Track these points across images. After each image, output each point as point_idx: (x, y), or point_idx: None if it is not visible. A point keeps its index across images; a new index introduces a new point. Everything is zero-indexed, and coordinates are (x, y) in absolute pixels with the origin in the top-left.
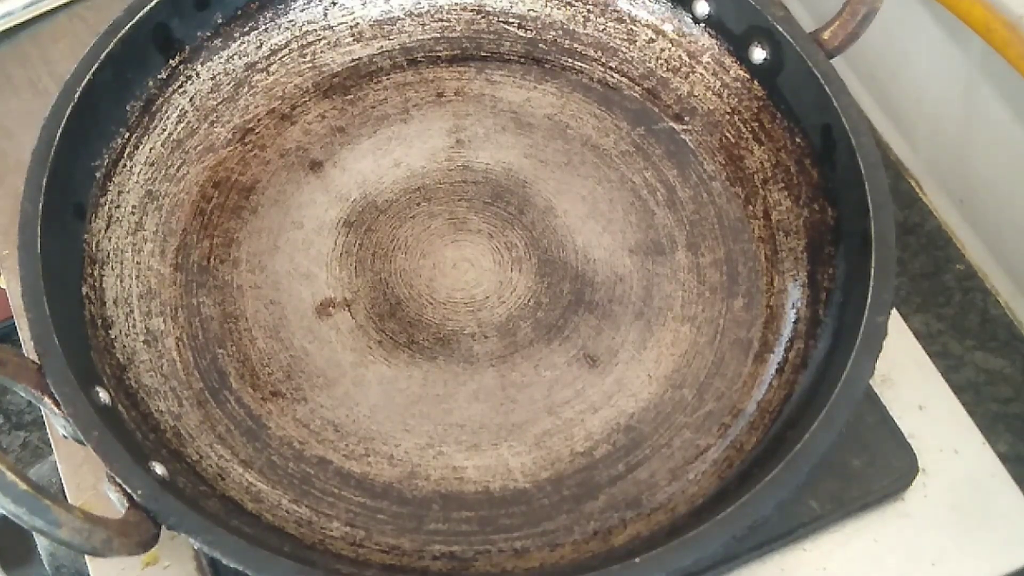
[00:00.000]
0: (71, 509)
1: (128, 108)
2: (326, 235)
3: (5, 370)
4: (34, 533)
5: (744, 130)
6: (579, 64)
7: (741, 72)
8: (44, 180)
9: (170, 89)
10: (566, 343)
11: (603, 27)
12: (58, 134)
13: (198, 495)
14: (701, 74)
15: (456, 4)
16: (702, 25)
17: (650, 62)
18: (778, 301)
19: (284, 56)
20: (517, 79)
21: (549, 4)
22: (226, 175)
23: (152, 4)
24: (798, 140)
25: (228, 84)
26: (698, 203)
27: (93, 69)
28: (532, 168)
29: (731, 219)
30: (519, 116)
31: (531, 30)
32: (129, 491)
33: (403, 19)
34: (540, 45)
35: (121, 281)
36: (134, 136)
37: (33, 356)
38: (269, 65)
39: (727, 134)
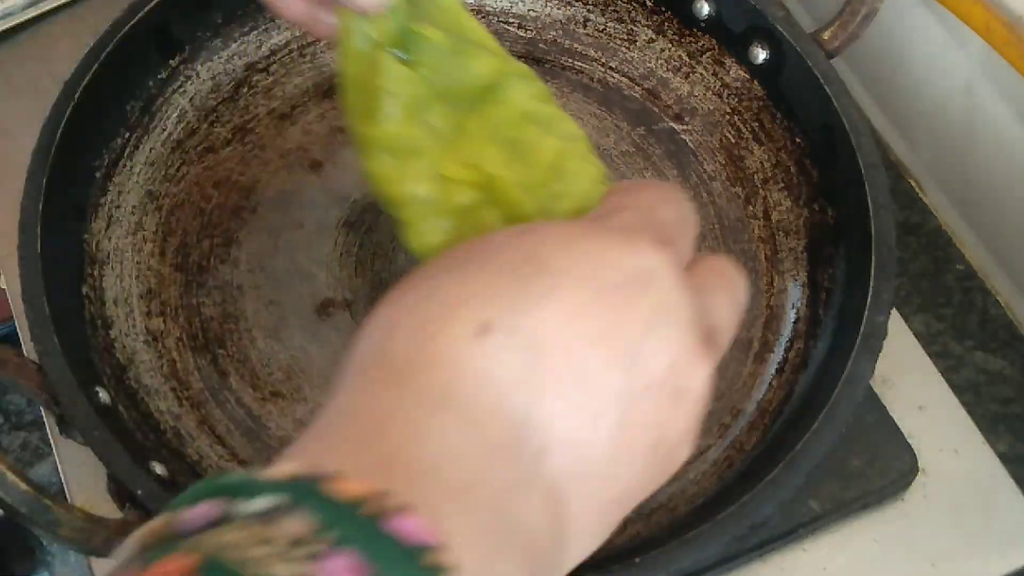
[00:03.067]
0: (71, 509)
1: (128, 108)
2: (326, 235)
3: (5, 370)
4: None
5: (744, 130)
6: (579, 64)
7: (741, 72)
8: (44, 180)
9: (170, 89)
10: None
11: (603, 27)
12: (58, 134)
13: None
14: (701, 74)
15: None
16: (702, 25)
17: (650, 62)
18: (778, 301)
19: (284, 56)
20: None
21: (549, 4)
22: (226, 175)
23: (152, 4)
24: (798, 140)
25: (228, 84)
26: (698, 203)
27: (93, 69)
28: None
29: (731, 219)
30: None
31: (531, 30)
32: (129, 491)
33: None
34: (540, 45)
35: (121, 281)
36: (134, 136)
37: (33, 356)
38: (269, 65)
39: (727, 134)
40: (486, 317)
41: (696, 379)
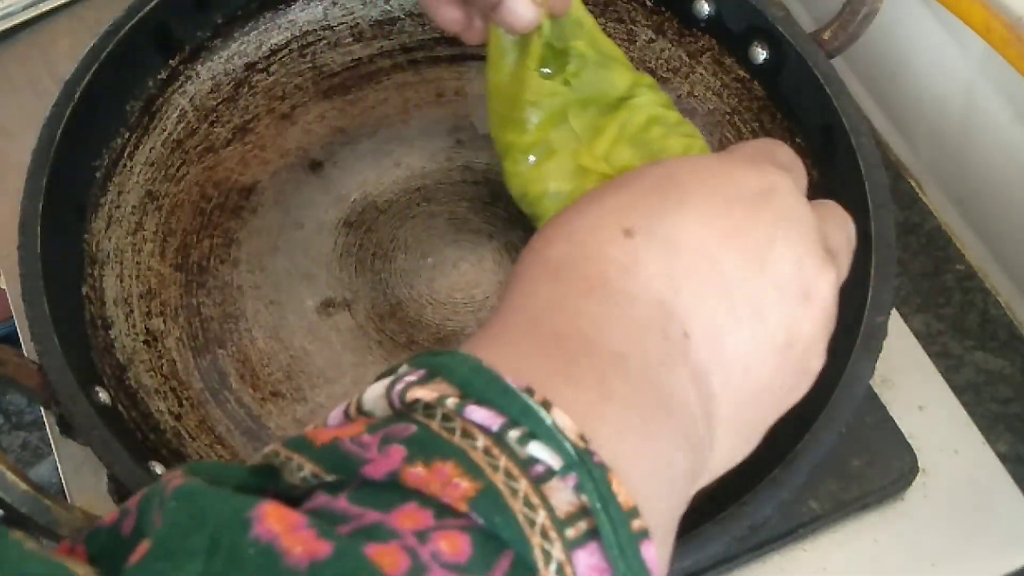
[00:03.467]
0: (71, 509)
1: (128, 108)
2: (326, 235)
3: (5, 370)
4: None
5: (744, 130)
6: None
7: (741, 72)
8: (44, 180)
9: (170, 89)
10: None
11: (602, 27)
12: (58, 134)
13: None
14: (701, 74)
15: None
16: (702, 25)
17: (650, 62)
18: None
19: (284, 56)
20: None
21: None
22: (226, 175)
23: (152, 4)
24: (798, 140)
25: (228, 84)
26: None
27: (93, 69)
28: None
29: None
30: None
31: None
32: (129, 491)
33: (403, 19)
34: None
35: (121, 281)
36: (134, 136)
37: (33, 356)
38: (269, 65)
39: (727, 134)
40: (629, 223)
41: (822, 283)
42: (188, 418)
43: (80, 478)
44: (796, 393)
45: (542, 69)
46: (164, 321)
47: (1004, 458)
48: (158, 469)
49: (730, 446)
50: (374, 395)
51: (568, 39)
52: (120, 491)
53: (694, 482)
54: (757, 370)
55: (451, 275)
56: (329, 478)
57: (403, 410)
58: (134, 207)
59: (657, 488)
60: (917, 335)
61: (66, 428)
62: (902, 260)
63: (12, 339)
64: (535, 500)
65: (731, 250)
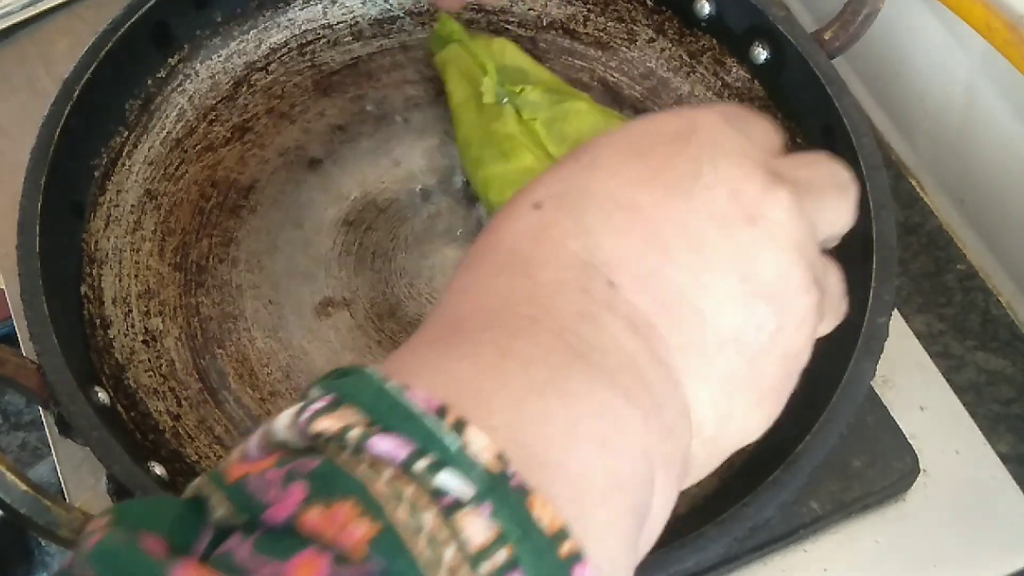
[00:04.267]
0: (71, 509)
1: (127, 107)
2: (325, 234)
3: (4, 370)
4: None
5: None
6: (579, 63)
7: (742, 72)
8: (43, 179)
9: (169, 88)
10: None
11: (603, 26)
12: (57, 133)
13: None
14: (702, 74)
15: None
16: (703, 25)
17: (650, 61)
18: None
19: (283, 55)
20: None
21: (549, 3)
22: (225, 174)
23: (151, 2)
24: (799, 141)
25: (227, 83)
26: None
27: (92, 68)
28: None
29: None
30: None
31: (531, 30)
32: (128, 491)
33: (403, 18)
34: (540, 45)
35: (120, 281)
36: (133, 135)
37: (32, 356)
38: (268, 64)
39: None
40: (538, 197)
41: (768, 204)
42: (187, 418)
43: (79, 478)
44: (787, 335)
45: (502, 101)
46: (163, 321)
47: (1005, 459)
48: (157, 470)
49: (717, 402)
50: (282, 425)
51: (515, 84)
52: (119, 491)
53: (666, 436)
54: (714, 308)
55: (451, 275)
56: (239, 519)
57: (313, 442)
58: (133, 206)
59: (585, 443)
60: (918, 335)
61: (65, 428)
62: (903, 260)
63: (11, 339)
64: (442, 536)
65: (650, 190)
